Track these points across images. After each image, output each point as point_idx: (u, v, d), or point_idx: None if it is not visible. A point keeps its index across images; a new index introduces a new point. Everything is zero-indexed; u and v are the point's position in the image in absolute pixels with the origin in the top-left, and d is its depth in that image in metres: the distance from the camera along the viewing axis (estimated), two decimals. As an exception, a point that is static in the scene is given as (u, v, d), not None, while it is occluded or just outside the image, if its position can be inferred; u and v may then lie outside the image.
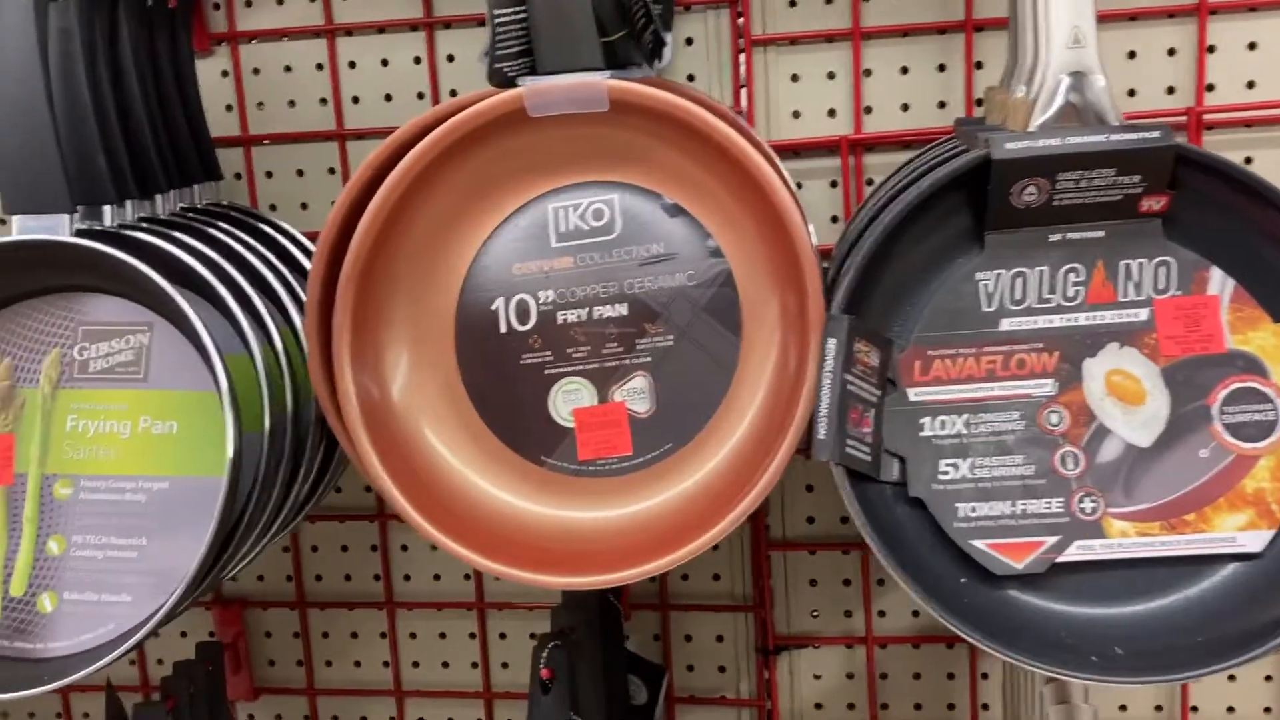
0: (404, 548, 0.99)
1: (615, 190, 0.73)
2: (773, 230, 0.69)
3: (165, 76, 0.83)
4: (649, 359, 0.74)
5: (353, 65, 0.92)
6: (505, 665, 1.00)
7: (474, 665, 1.00)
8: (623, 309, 0.74)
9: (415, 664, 1.01)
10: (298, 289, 0.81)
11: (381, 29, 0.91)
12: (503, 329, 0.74)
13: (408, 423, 0.75)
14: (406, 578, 0.99)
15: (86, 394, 0.74)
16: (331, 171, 0.94)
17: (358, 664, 1.02)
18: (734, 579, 0.95)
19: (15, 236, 0.72)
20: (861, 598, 0.92)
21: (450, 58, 0.90)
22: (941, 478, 0.70)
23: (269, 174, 0.95)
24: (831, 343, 0.67)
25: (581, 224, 0.74)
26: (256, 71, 0.93)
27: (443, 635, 1.01)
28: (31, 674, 0.71)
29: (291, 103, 0.93)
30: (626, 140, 0.71)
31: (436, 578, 0.99)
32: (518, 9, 0.69)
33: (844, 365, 0.67)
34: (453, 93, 0.91)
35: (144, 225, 0.78)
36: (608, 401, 0.74)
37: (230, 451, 0.68)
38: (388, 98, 0.92)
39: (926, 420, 0.70)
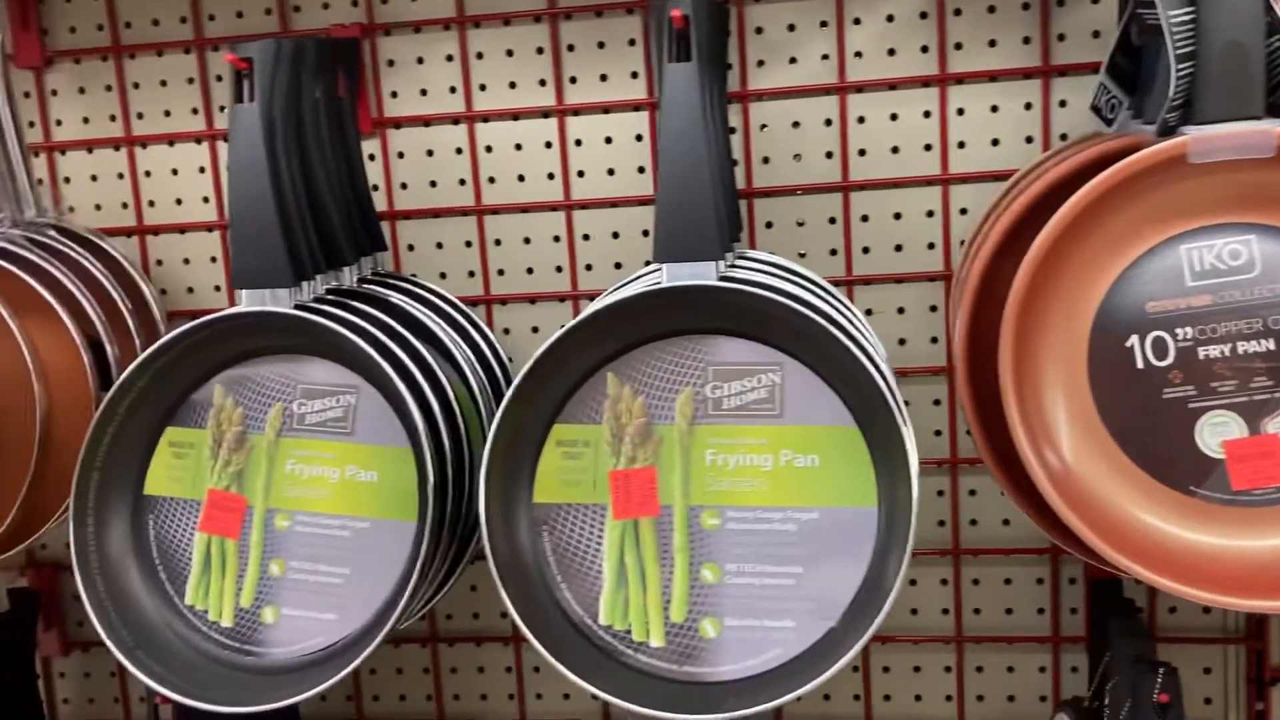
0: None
1: (1251, 232, 0.77)
2: None
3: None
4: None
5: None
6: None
7: None
8: (1269, 344, 0.77)
9: None
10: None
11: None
12: (1139, 365, 0.78)
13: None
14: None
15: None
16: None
17: None
18: (1225, 610, 1.00)
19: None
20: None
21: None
22: None
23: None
24: None
25: (1218, 263, 0.77)
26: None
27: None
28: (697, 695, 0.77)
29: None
30: (1275, 183, 0.76)
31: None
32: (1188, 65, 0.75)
33: None
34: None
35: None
36: (1260, 434, 0.77)
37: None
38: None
39: None
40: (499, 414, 0.79)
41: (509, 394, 0.79)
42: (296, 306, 0.85)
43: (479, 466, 0.88)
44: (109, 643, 0.84)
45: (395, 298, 0.94)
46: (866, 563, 0.77)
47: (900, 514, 0.75)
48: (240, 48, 0.84)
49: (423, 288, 1.01)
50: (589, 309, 0.79)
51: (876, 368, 0.76)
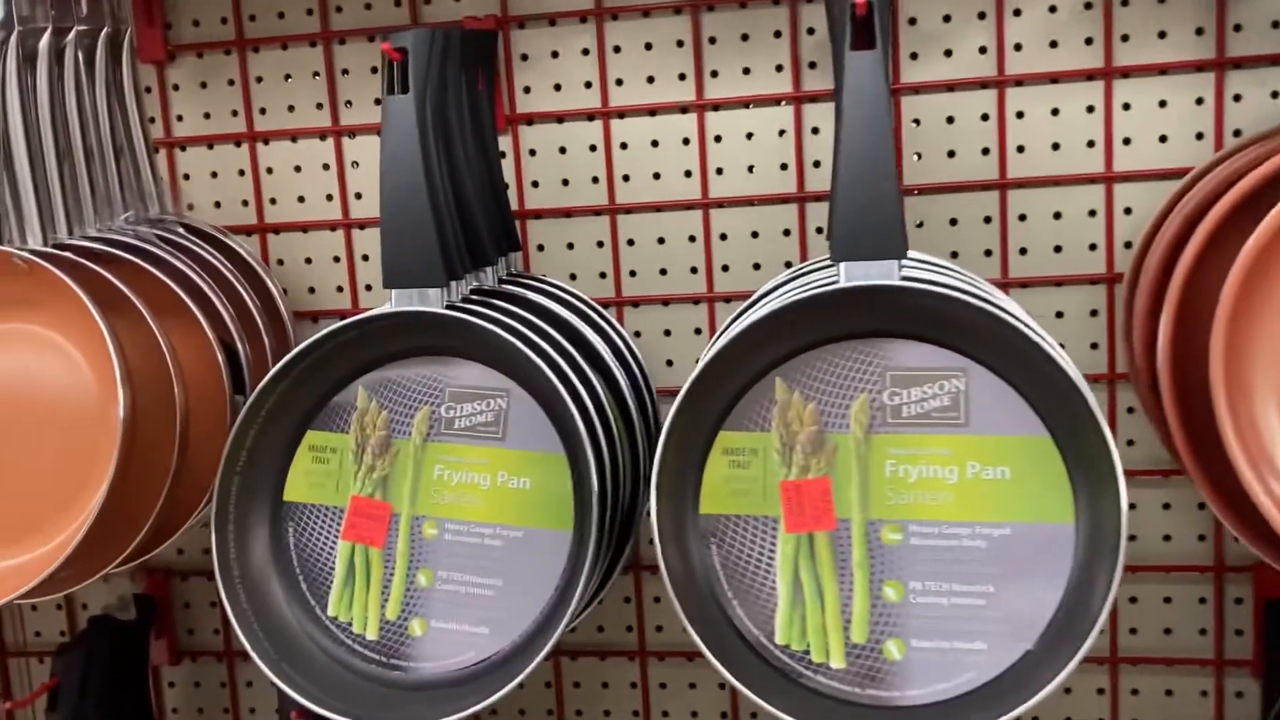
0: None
1: None
2: None
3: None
4: None
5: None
6: None
7: None
8: None
9: None
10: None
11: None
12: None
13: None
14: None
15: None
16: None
17: None
18: None
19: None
20: None
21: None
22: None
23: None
24: None
25: None
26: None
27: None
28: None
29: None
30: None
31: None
32: None
33: None
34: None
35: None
36: None
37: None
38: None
39: None
40: (670, 418, 0.75)
41: (680, 398, 0.75)
42: (447, 307, 0.82)
43: (625, 473, 0.86)
44: (255, 656, 0.80)
45: (538, 299, 0.91)
46: (1064, 582, 0.73)
47: (1105, 529, 0.71)
48: (395, 37, 0.81)
49: (559, 289, 0.97)
50: (763, 309, 0.75)
51: (1073, 373, 0.71)
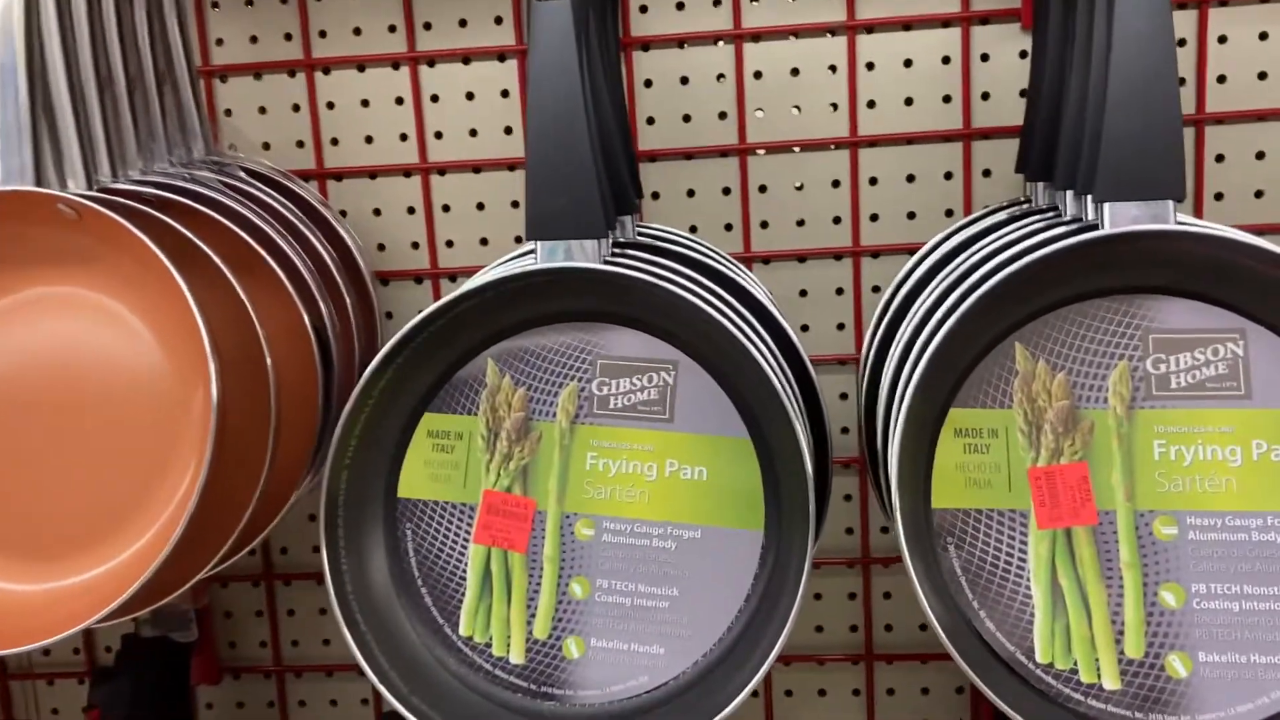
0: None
1: None
2: None
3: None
4: None
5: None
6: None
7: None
8: None
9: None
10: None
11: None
12: None
13: None
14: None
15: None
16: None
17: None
18: None
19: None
20: None
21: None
22: None
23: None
24: None
25: None
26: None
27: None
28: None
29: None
30: None
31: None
32: None
33: None
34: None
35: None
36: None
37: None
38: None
39: None
40: (908, 396, 0.62)
41: (921, 370, 0.62)
42: (605, 262, 0.68)
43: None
44: (381, 687, 0.65)
45: (694, 256, 0.76)
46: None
47: None
48: (546, -72, 0.66)
49: (693, 243, 0.83)
50: (1012, 267, 0.62)
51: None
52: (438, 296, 0.92)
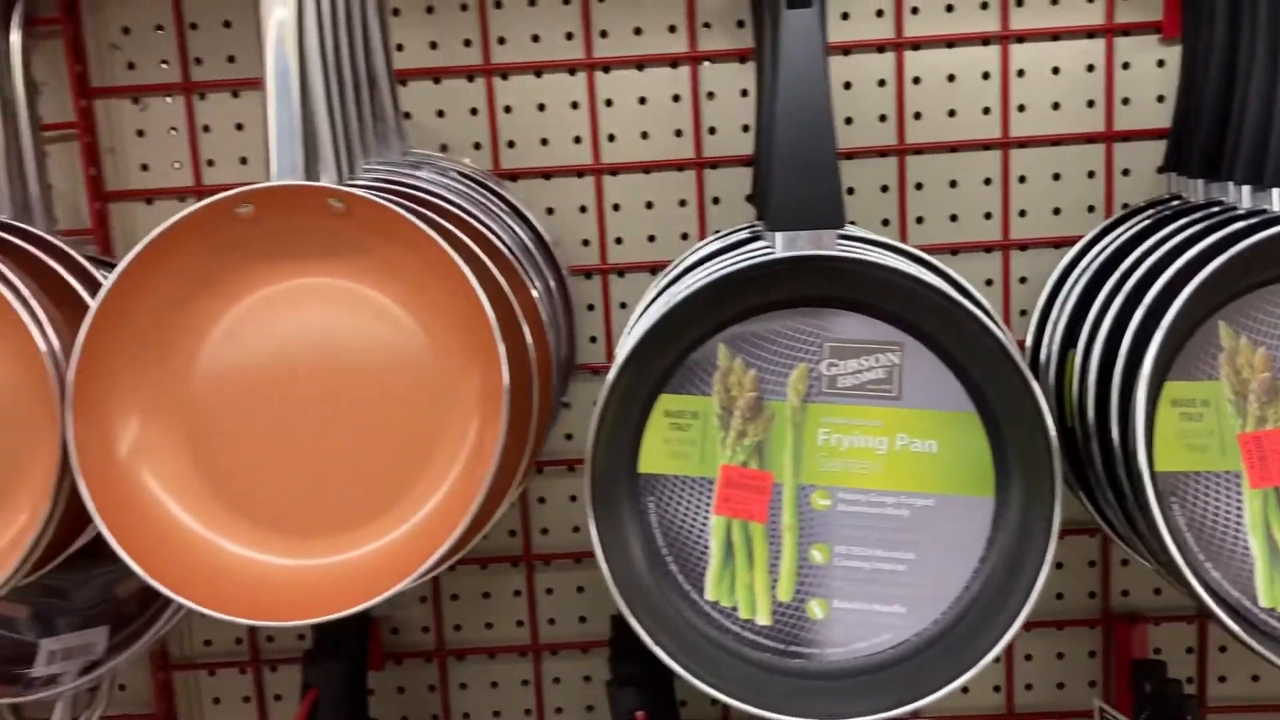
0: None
1: None
2: None
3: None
4: None
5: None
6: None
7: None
8: None
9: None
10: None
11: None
12: None
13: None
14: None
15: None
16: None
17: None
18: None
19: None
20: None
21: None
22: None
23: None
24: None
25: None
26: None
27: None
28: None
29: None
30: None
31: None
32: None
33: None
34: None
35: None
36: None
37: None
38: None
39: None
40: (1145, 373, 0.68)
41: (1154, 348, 0.68)
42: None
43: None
44: (656, 649, 0.70)
45: (897, 244, 0.82)
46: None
47: None
48: (796, -58, 0.72)
49: (875, 236, 0.89)
50: (1222, 257, 0.69)
51: None
52: (606, 292, 0.97)
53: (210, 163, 0.96)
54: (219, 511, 0.72)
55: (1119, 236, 0.85)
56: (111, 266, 0.71)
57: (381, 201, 0.70)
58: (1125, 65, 0.93)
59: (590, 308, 0.98)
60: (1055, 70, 0.93)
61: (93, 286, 0.78)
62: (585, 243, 0.97)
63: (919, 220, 0.95)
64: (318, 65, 0.74)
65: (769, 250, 0.73)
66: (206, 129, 0.95)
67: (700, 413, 0.76)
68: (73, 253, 0.81)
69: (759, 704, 0.71)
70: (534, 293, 0.79)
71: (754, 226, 0.87)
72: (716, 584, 0.75)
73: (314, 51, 0.74)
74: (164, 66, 0.95)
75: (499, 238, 0.80)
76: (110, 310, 0.69)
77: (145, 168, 0.96)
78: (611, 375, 0.72)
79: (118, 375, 0.71)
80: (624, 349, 0.73)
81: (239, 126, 0.95)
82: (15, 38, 0.88)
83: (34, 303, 0.73)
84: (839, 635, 0.74)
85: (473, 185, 0.86)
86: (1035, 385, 0.70)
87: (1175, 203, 0.87)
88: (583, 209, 0.96)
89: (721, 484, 0.76)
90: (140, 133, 0.96)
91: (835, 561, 0.75)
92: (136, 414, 0.72)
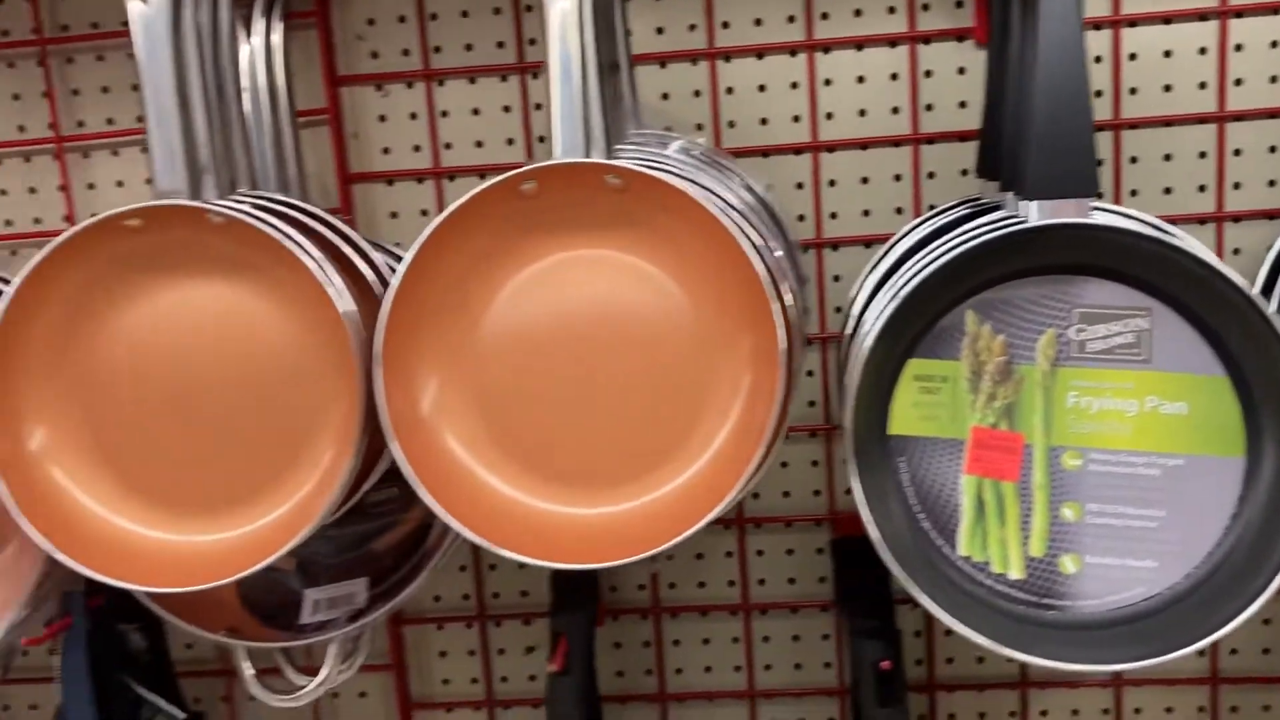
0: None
1: None
2: None
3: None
4: None
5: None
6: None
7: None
8: None
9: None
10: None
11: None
12: None
13: None
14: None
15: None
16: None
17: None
18: None
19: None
20: None
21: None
22: None
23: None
24: None
25: None
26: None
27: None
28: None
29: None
30: None
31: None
32: None
33: None
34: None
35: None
36: None
37: None
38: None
39: None
40: None
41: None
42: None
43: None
44: (929, 603, 0.74)
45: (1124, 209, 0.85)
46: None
47: None
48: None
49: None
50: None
51: None
52: (820, 266, 1.01)
53: (448, 145, 1.02)
54: (511, 467, 0.78)
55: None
56: (373, 244, 0.76)
57: (659, 176, 0.75)
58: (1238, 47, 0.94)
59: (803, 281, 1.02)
60: (1274, 44, 0.94)
61: (362, 256, 0.84)
62: (801, 218, 1.01)
63: (1133, 193, 0.97)
64: (593, 52, 0.79)
65: (1019, 220, 0.77)
66: (445, 114, 1.01)
67: (950, 377, 0.80)
68: (342, 225, 0.87)
69: (1031, 652, 0.75)
70: (781, 258, 0.83)
71: (973, 201, 0.90)
72: (969, 540, 0.79)
73: (590, 39, 0.79)
74: (405, 55, 1.01)
75: (745, 210, 0.84)
76: (411, 279, 0.75)
77: (387, 151, 1.02)
78: (868, 343, 0.76)
79: (419, 339, 0.77)
80: (879, 318, 0.77)
81: (475, 111, 1.01)
82: (277, 36, 0.95)
83: (329, 270, 0.79)
84: (1092, 588, 0.77)
85: (710, 162, 0.90)
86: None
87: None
88: (799, 185, 1.00)
89: (972, 445, 0.79)
90: (382, 118, 1.02)
91: (1087, 519, 0.78)
92: (435, 375, 0.78)
